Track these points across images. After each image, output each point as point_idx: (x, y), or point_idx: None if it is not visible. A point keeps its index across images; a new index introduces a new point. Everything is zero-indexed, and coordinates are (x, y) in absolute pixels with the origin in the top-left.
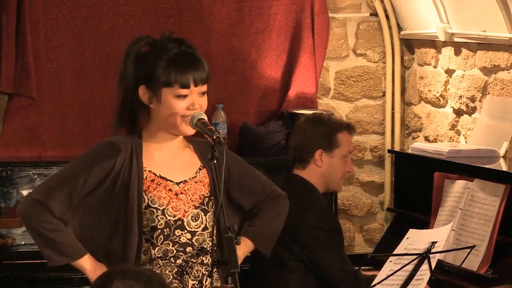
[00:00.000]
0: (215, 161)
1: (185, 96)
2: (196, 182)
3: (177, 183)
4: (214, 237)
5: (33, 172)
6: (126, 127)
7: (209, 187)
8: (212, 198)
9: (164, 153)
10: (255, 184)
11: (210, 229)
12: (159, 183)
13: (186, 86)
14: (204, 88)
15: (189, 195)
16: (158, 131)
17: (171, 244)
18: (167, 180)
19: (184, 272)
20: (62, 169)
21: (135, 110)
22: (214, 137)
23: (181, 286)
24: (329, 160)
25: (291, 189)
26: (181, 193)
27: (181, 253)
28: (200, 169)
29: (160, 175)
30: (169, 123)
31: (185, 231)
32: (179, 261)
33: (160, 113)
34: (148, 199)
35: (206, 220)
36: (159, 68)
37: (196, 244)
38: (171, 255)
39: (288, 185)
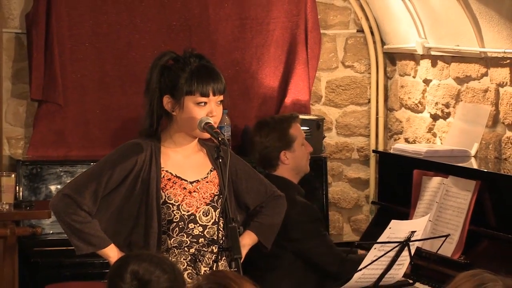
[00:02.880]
0: (220, 160)
1: (204, 104)
2: (207, 182)
3: (191, 182)
4: (221, 228)
5: (60, 169)
6: (149, 131)
7: (218, 186)
8: (221, 196)
9: (180, 155)
10: (259, 186)
11: (219, 223)
12: (175, 182)
13: (206, 95)
14: (221, 97)
15: (201, 193)
16: (176, 135)
17: (185, 235)
18: (182, 179)
19: (197, 260)
20: (90, 168)
21: (157, 117)
22: (219, 138)
23: (195, 272)
24: (292, 155)
25: None
26: (194, 191)
27: (194, 244)
28: (211, 170)
29: (176, 174)
30: (190, 128)
31: (198, 224)
32: (192, 250)
33: (182, 119)
34: (165, 196)
35: (216, 216)
36: (182, 79)
37: (207, 236)
38: (185, 245)
39: None
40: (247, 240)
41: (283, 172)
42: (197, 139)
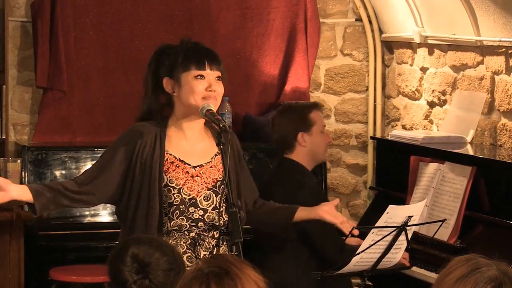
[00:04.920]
0: (221, 146)
1: (202, 77)
2: (211, 167)
3: (194, 167)
4: (222, 215)
5: (64, 155)
6: (147, 115)
7: (222, 172)
8: (224, 182)
9: (186, 140)
10: (252, 183)
11: (220, 209)
12: (178, 165)
13: (201, 68)
14: (218, 73)
15: (203, 178)
16: (181, 119)
17: (185, 219)
18: (185, 163)
19: (197, 244)
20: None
21: (155, 101)
22: (221, 125)
23: (194, 255)
24: (310, 138)
25: (284, 171)
26: (197, 175)
27: (194, 227)
28: (216, 155)
29: (179, 158)
30: (191, 105)
31: (198, 208)
32: (192, 234)
33: (182, 97)
34: (167, 179)
35: (217, 201)
36: (178, 59)
37: (207, 220)
38: (185, 229)
39: (280, 168)
40: (302, 212)
41: (298, 155)
42: (202, 124)
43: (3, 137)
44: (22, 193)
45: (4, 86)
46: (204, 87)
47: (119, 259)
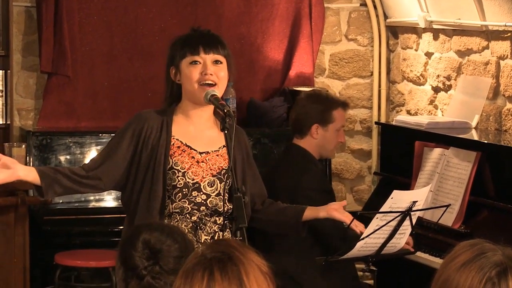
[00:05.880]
0: (226, 132)
1: (198, 63)
2: (217, 156)
3: (200, 153)
4: (226, 202)
5: (69, 140)
6: (167, 101)
7: (228, 162)
8: (229, 170)
9: (194, 127)
10: (261, 182)
11: (223, 196)
12: (184, 150)
13: (195, 53)
14: (217, 57)
15: (209, 164)
16: (187, 106)
17: (187, 202)
18: (191, 148)
19: (198, 228)
20: None
21: (170, 89)
22: (225, 110)
23: (195, 239)
24: (323, 133)
25: (291, 156)
26: (202, 161)
27: (195, 211)
28: (224, 146)
29: (186, 143)
30: (190, 92)
31: (201, 193)
32: (194, 218)
33: (183, 85)
34: (172, 162)
35: (221, 188)
36: (178, 47)
37: (209, 205)
38: (187, 212)
39: (288, 153)
40: (311, 211)
41: (307, 144)
42: (211, 112)
43: (8, 122)
44: (28, 173)
45: (9, 71)
46: (199, 72)
47: (130, 245)
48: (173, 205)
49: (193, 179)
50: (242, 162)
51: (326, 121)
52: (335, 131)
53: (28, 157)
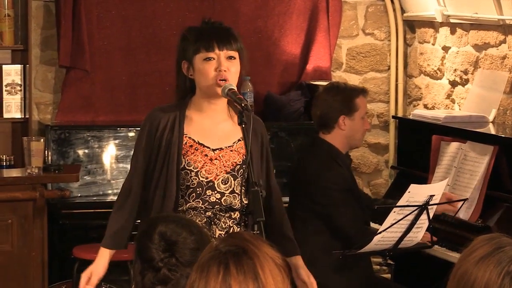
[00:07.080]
0: (243, 125)
1: (212, 59)
2: (231, 151)
3: (213, 150)
4: (243, 197)
5: (87, 134)
6: (179, 95)
7: (243, 156)
8: (243, 166)
9: (207, 121)
10: (275, 182)
11: (237, 193)
12: (196, 149)
13: (210, 49)
14: (231, 53)
15: (222, 161)
16: (200, 100)
17: (201, 202)
18: (204, 146)
19: (212, 223)
20: None
21: (182, 83)
22: (243, 104)
23: (209, 234)
24: (350, 123)
25: (316, 150)
26: (216, 158)
27: (209, 209)
28: (239, 140)
29: (198, 141)
30: (206, 87)
31: (215, 191)
32: (208, 213)
33: (197, 80)
34: (185, 162)
35: (235, 185)
36: (191, 41)
37: (224, 204)
38: (201, 209)
39: (314, 147)
40: (296, 263)
41: (335, 137)
42: (225, 104)
43: (27, 116)
44: (105, 261)
45: (28, 65)
46: (214, 68)
47: (146, 237)
48: (187, 205)
49: (206, 178)
50: (258, 154)
51: (351, 110)
52: (361, 119)
53: (46, 151)
